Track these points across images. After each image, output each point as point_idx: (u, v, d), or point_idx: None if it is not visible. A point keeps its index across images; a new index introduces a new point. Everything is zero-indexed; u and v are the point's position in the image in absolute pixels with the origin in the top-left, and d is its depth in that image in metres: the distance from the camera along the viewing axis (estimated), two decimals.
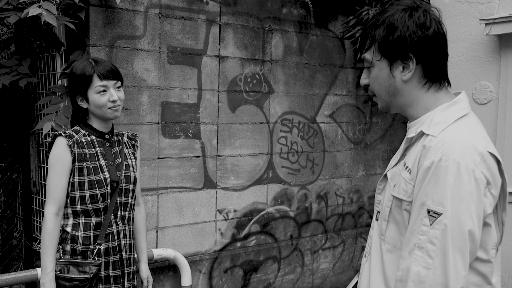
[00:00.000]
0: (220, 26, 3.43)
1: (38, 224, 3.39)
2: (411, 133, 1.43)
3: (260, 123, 3.70)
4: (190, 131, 3.36)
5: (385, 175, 1.48)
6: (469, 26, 3.99)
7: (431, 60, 1.38)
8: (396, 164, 1.46)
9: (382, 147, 4.45)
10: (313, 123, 4.00)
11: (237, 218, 3.65)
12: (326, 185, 4.13)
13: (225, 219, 3.58)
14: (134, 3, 3.06)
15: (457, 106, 1.39)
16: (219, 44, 3.44)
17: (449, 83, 1.44)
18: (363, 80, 1.50)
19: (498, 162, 1.32)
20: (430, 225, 1.26)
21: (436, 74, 1.40)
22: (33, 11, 2.50)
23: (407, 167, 1.38)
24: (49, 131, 2.75)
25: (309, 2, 3.85)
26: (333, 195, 4.19)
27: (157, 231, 3.27)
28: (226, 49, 3.47)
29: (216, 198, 3.52)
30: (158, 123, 3.21)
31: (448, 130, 1.32)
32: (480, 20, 3.78)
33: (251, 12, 3.57)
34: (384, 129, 4.47)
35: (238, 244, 3.67)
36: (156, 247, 3.26)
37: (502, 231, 1.39)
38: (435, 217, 1.25)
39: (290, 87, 3.83)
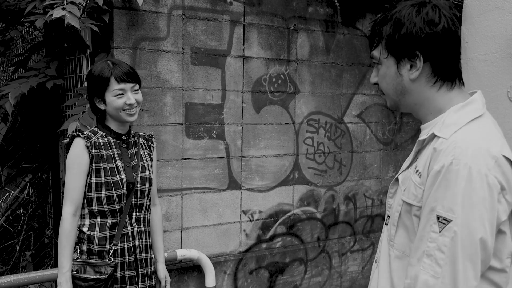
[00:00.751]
0: (244, 27, 3.42)
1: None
2: (423, 135, 1.37)
3: (286, 123, 3.66)
4: (214, 132, 3.36)
5: (397, 179, 1.43)
6: (505, 21, 3.84)
7: (441, 58, 1.31)
8: (407, 167, 1.40)
9: (413, 148, 4.33)
10: (340, 124, 3.93)
11: (262, 219, 3.62)
12: (355, 187, 4.06)
13: (250, 220, 3.57)
14: (157, 5, 3.09)
15: (471, 106, 1.31)
16: (243, 44, 3.43)
17: (462, 83, 1.38)
18: (373, 79, 1.45)
19: None
20: (440, 232, 1.20)
21: (446, 73, 1.33)
22: (56, 13, 2.55)
23: (417, 171, 1.32)
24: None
25: (336, 1, 3.79)
26: (362, 197, 4.11)
27: (181, 232, 3.29)
28: (250, 49, 3.46)
29: (240, 199, 3.51)
30: (182, 124, 3.23)
31: (460, 132, 1.26)
32: None
33: (276, 12, 3.55)
34: (415, 129, 4.35)
35: (264, 245, 3.65)
36: (181, 248, 3.28)
37: None
38: (444, 223, 1.19)
39: (316, 87, 3.78)
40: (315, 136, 3.82)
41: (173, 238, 3.25)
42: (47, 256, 3.58)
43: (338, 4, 3.78)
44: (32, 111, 3.38)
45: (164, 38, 3.13)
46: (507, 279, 1.27)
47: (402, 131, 4.28)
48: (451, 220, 1.18)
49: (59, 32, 3.18)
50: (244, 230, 3.55)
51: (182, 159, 3.25)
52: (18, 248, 3.42)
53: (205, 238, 3.38)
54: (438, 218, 1.20)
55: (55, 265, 3.49)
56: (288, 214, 3.74)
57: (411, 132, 4.34)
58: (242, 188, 3.51)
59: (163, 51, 3.13)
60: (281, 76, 3.61)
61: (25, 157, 3.38)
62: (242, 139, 3.48)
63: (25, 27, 3.78)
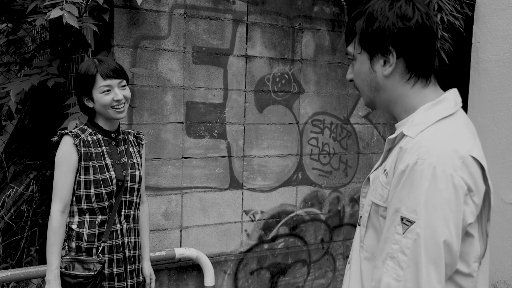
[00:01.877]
0: (247, 26, 3.41)
1: None
2: (395, 134, 1.33)
3: (289, 123, 3.63)
4: (216, 131, 3.35)
5: (368, 178, 1.39)
6: None
7: (414, 54, 1.27)
8: (378, 166, 1.37)
9: None
10: (346, 124, 3.88)
11: (264, 219, 3.60)
12: (361, 188, 3.99)
13: (252, 220, 3.55)
14: (158, 4, 3.09)
15: (442, 105, 1.27)
16: (246, 43, 3.41)
17: (436, 80, 1.34)
18: (348, 75, 1.41)
19: (482, 168, 1.20)
20: (403, 233, 1.16)
21: (420, 69, 1.29)
22: (55, 13, 2.58)
23: (385, 170, 1.28)
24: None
25: (343, 0, 3.74)
26: None
27: (181, 231, 3.29)
28: (253, 49, 3.44)
29: (242, 199, 3.49)
30: (182, 122, 3.23)
31: (427, 131, 1.21)
32: None
33: (280, 11, 3.52)
34: None
35: (265, 246, 3.62)
36: (180, 247, 3.28)
37: (486, 242, 1.26)
38: (408, 225, 1.15)
39: (321, 87, 3.74)
40: (320, 137, 3.77)
41: (172, 237, 3.26)
42: None
43: (344, 3, 3.73)
44: (37, 109, 3.43)
45: (165, 37, 3.13)
46: (474, 284, 1.22)
47: None
48: (414, 222, 1.14)
49: (63, 31, 3.22)
50: (246, 230, 3.53)
51: (182, 158, 3.25)
52: (22, 244, 3.47)
53: (205, 238, 3.37)
54: (402, 219, 1.17)
55: None
56: (291, 215, 3.71)
57: None
58: (244, 188, 3.49)
59: (164, 49, 3.13)
60: (285, 75, 3.58)
61: (30, 154, 3.43)
62: (244, 139, 3.46)
63: (33, 26, 3.84)
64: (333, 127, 3.82)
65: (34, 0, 2.89)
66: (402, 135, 1.27)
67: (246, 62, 3.43)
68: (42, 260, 3.62)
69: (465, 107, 3.90)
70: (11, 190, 3.30)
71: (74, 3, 2.69)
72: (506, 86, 3.69)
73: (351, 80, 1.42)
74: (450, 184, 1.14)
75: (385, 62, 1.29)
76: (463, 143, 1.19)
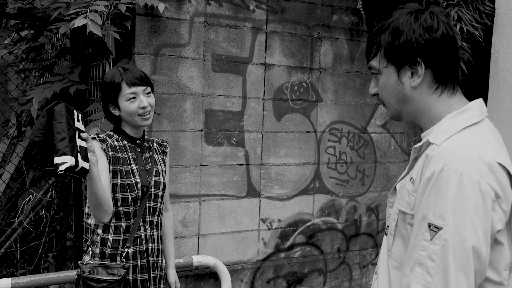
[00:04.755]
0: (266, 34, 3.42)
1: (88, 226, 3.51)
2: (421, 143, 1.34)
3: (307, 132, 3.63)
4: (234, 139, 3.35)
5: (395, 188, 1.40)
6: None
7: (441, 64, 1.29)
8: (405, 175, 1.38)
9: None
10: (364, 133, 3.87)
11: (281, 228, 3.59)
12: (378, 198, 3.98)
13: (269, 229, 3.54)
14: (179, 12, 3.11)
15: (467, 114, 1.29)
16: (265, 52, 3.42)
17: (462, 89, 1.35)
18: (372, 89, 1.42)
19: (509, 175, 1.20)
20: (431, 240, 1.16)
21: (447, 78, 1.31)
22: (79, 22, 2.61)
23: (411, 178, 1.30)
24: None
25: (362, 10, 3.74)
26: (385, 208, 4.02)
27: (198, 238, 3.29)
28: (272, 57, 3.45)
29: (259, 207, 3.49)
30: (201, 130, 3.24)
31: (453, 138, 1.23)
32: None
33: (299, 20, 3.53)
34: None
35: (282, 254, 3.61)
36: (198, 254, 3.28)
37: None
38: (435, 231, 1.16)
39: (339, 96, 3.73)
40: (337, 146, 3.76)
41: (190, 244, 3.25)
42: (68, 258, 3.64)
43: (363, 12, 3.73)
44: None
45: (185, 44, 3.15)
46: None
47: None
48: (442, 228, 1.15)
49: (85, 38, 3.25)
50: (262, 239, 3.52)
51: (201, 165, 3.25)
52: (40, 250, 3.49)
53: (222, 245, 3.37)
54: (429, 225, 1.17)
55: (75, 267, 3.55)
56: (308, 224, 3.69)
57: None
58: (261, 196, 3.49)
59: (184, 57, 3.15)
60: (303, 84, 3.58)
61: (49, 160, 3.45)
62: (262, 147, 3.46)
63: (54, 33, 3.88)
64: (350, 136, 3.81)
65: (58, 8, 2.91)
66: (428, 144, 1.29)
67: (264, 70, 3.43)
68: (59, 267, 3.64)
69: None
70: (30, 195, 3.32)
71: (96, 11, 2.72)
72: None
73: (374, 94, 1.43)
74: (477, 190, 1.14)
75: (412, 74, 1.31)
76: (488, 150, 1.20)
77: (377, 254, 4.01)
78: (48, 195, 3.47)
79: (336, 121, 3.74)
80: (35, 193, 3.39)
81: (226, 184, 3.35)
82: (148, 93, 2.18)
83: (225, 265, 3.28)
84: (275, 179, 3.53)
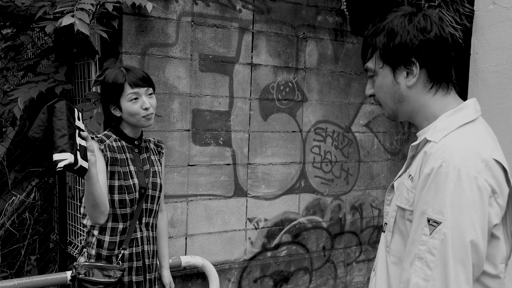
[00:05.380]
0: (253, 34, 3.43)
1: (73, 228, 3.47)
2: (417, 141, 1.38)
3: (293, 131, 3.65)
4: (221, 139, 3.35)
5: (393, 186, 1.44)
6: None
7: (435, 63, 1.34)
8: (402, 173, 1.42)
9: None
10: (348, 133, 3.92)
11: (267, 227, 3.61)
12: (361, 196, 4.03)
13: (255, 228, 3.55)
14: (166, 12, 3.10)
15: (463, 112, 1.34)
16: (252, 51, 3.43)
17: (455, 88, 1.40)
18: (368, 91, 1.47)
19: (505, 170, 1.25)
20: (430, 234, 1.21)
21: (441, 77, 1.36)
22: (66, 20, 2.56)
23: (410, 175, 1.34)
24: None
25: (346, 10, 3.79)
26: (369, 207, 4.08)
27: (186, 238, 3.28)
28: (258, 57, 3.46)
29: (246, 206, 3.50)
30: (188, 130, 3.23)
31: (450, 136, 1.28)
32: None
33: (285, 20, 3.55)
34: None
35: (269, 253, 3.62)
36: (185, 255, 3.27)
37: (511, 244, 1.30)
38: (434, 226, 1.20)
39: (324, 96, 3.77)
40: (322, 145, 3.80)
41: (178, 245, 3.24)
42: (51, 260, 3.58)
43: (347, 13, 3.78)
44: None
45: (172, 44, 3.13)
46: (501, 285, 1.27)
47: (410, 141, 4.25)
48: (441, 222, 1.19)
49: (69, 37, 3.20)
50: (249, 238, 3.53)
51: (188, 165, 3.24)
52: (23, 252, 3.42)
53: (210, 245, 3.37)
54: (428, 220, 1.21)
55: (60, 269, 3.49)
56: (294, 223, 3.72)
57: None
58: (248, 195, 3.50)
59: (172, 57, 3.14)
60: (289, 84, 3.61)
61: (32, 161, 3.39)
62: (249, 147, 3.47)
63: (35, 32, 3.81)
64: (335, 136, 3.85)
65: (42, 7, 2.86)
66: (426, 141, 1.33)
67: (251, 70, 3.44)
68: (42, 270, 3.58)
69: None
70: (14, 197, 3.25)
71: (84, 10, 2.68)
72: (504, 97, 3.77)
73: (371, 95, 1.47)
74: (474, 186, 1.19)
75: (407, 74, 1.36)
76: (485, 147, 1.25)
77: (361, 252, 4.07)
78: (31, 197, 3.40)
79: (321, 120, 3.78)
80: (18, 195, 3.32)
81: (214, 184, 3.35)
82: (150, 94, 2.17)
83: (213, 265, 3.28)
84: (262, 179, 3.54)
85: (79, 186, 3.35)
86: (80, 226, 3.37)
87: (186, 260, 3.13)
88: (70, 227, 3.48)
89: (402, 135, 4.21)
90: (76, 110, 1.91)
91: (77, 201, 3.39)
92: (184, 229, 3.27)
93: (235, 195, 3.44)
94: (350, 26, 3.85)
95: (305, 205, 3.76)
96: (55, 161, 1.71)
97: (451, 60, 1.38)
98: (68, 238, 3.48)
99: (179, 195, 3.22)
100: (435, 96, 1.36)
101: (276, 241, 3.65)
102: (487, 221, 1.20)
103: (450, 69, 1.38)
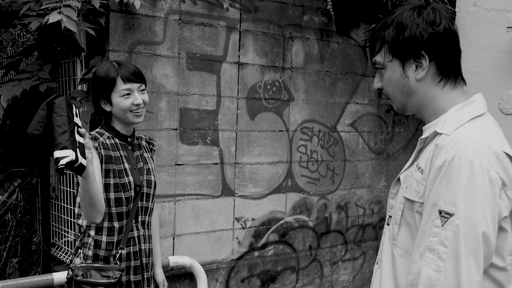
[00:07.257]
0: (240, 33, 3.42)
1: (57, 230, 3.40)
2: (426, 134, 1.39)
3: (280, 131, 3.65)
4: (209, 138, 3.33)
5: (398, 179, 1.44)
6: (496, 34, 3.88)
7: (444, 56, 1.34)
8: (409, 166, 1.42)
9: (404, 158, 4.36)
10: (333, 132, 3.94)
11: (255, 227, 3.60)
12: (347, 195, 4.06)
13: (243, 228, 3.54)
14: (154, 9, 3.06)
15: (473, 105, 1.34)
16: (239, 50, 3.42)
17: (464, 82, 1.41)
18: (376, 84, 1.46)
19: None
20: (442, 226, 1.21)
21: (450, 70, 1.37)
22: (53, 17, 2.51)
23: (419, 168, 1.34)
24: None
25: (331, 10, 3.80)
26: (354, 206, 4.11)
27: (173, 238, 3.24)
28: (246, 56, 3.45)
29: (234, 206, 3.48)
30: (176, 129, 3.20)
31: (462, 128, 1.28)
32: (507, 28, 3.67)
33: (272, 19, 3.55)
34: (407, 139, 4.38)
35: (256, 253, 3.61)
36: (173, 255, 3.23)
37: None
38: (447, 218, 1.20)
39: (310, 95, 3.78)
40: (309, 144, 3.81)
41: (165, 245, 3.20)
42: (34, 263, 3.50)
43: (333, 13, 3.80)
44: (23, 114, 3.32)
45: (160, 42, 3.10)
46: (509, 277, 1.28)
47: (394, 141, 4.30)
48: (453, 214, 1.19)
49: (53, 35, 3.14)
50: (237, 238, 3.51)
51: (176, 164, 3.21)
52: (4, 255, 3.34)
53: (197, 245, 3.34)
54: (440, 212, 1.22)
55: (43, 271, 3.42)
56: (281, 222, 3.72)
57: (403, 142, 4.36)
58: (236, 195, 3.48)
59: (159, 55, 3.10)
60: (276, 83, 3.61)
61: (15, 161, 3.31)
62: (236, 146, 3.46)
63: (16, 29, 3.73)
64: (321, 135, 3.87)
65: (27, 3, 2.80)
66: (435, 134, 1.33)
67: (238, 69, 3.43)
68: (25, 272, 3.49)
69: None
70: None
71: (70, 7, 2.63)
72: (486, 97, 3.81)
73: (379, 89, 1.47)
74: (486, 178, 1.20)
75: (417, 67, 1.36)
76: (495, 140, 1.27)
77: (347, 251, 4.09)
78: (14, 198, 3.32)
79: (308, 120, 3.79)
80: (0, 196, 3.24)
81: (201, 184, 3.32)
82: (142, 90, 2.13)
83: (201, 265, 3.25)
84: (249, 178, 3.53)
85: (63, 186, 3.29)
86: (64, 227, 3.31)
87: (174, 260, 3.10)
88: (54, 228, 3.41)
89: (386, 135, 4.25)
90: (74, 106, 1.87)
91: (61, 202, 3.33)
92: (172, 229, 3.23)
93: (223, 194, 3.42)
94: (335, 26, 3.87)
95: (292, 205, 3.76)
96: (57, 158, 1.66)
97: (459, 53, 1.38)
98: (51, 240, 3.41)
99: (166, 194, 3.19)
100: (443, 89, 1.37)
101: (263, 241, 3.64)
102: (497, 213, 1.21)
103: (458, 62, 1.38)
